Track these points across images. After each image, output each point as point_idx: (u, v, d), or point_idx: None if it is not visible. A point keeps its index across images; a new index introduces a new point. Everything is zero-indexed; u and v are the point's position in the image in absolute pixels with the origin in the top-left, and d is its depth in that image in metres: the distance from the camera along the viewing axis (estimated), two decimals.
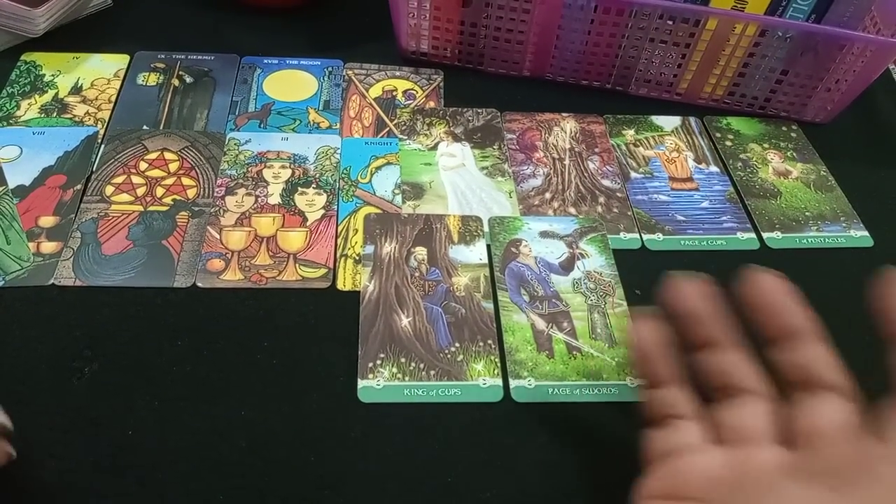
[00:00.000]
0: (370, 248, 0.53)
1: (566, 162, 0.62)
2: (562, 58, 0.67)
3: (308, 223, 0.55)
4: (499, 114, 0.65)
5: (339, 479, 0.41)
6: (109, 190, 0.55)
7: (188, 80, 0.66)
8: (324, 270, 0.52)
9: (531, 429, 0.45)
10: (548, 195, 0.59)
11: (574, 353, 0.48)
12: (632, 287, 0.52)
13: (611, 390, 0.46)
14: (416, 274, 0.52)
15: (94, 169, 0.57)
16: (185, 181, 0.57)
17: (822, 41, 0.61)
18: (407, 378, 0.46)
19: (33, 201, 0.54)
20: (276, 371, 0.46)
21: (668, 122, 0.66)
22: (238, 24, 0.72)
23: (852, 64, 0.61)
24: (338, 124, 0.63)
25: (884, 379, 0.49)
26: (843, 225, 0.58)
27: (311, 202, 0.56)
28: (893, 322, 0.34)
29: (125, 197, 0.55)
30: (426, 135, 0.63)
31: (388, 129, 0.63)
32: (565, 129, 0.65)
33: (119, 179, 0.56)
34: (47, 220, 0.53)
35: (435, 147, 0.62)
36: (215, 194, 0.56)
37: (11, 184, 0.55)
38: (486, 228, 0.55)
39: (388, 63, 0.69)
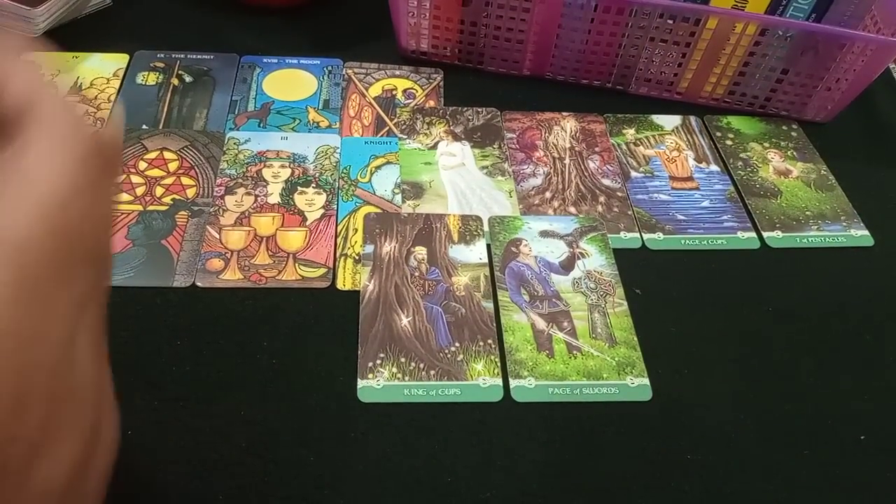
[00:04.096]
0: (370, 248, 0.53)
1: (566, 161, 0.62)
2: (562, 57, 0.67)
3: (307, 223, 0.55)
4: (499, 113, 0.65)
5: (339, 479, 0.41)
6: None
7: (187, 79, 0.66)
8: (323, 270, 0.52)
9: (531, 429, 0.45)
10: (548, 194, 0.59)
11: (574, 352, 0.48)
12: (632, 286, 0.52)
13: (611, 390, 0.46)
14: (416, 273, 0.52)
15: None
16: (185, 181, 0.57)
17: (823, 40, 0.61)
18: (407, 378, 0.46)
19: None
20: (276, 371, 0.46)
21: (669, 121, 0.66)
22: (238, 24, 0.72)
23: (852, 63, 0.61)
24: (337, 123, 0.63)
25: (885, 378, 0.50)
26: (844, 224, 0.58)
27: (311, 201, 0.56)
28: None
29: (124, 196, 0.55)
30: (426, 134, 0.63)
31: (387, 128, 0.63)
32: (565, 129, 0.64)
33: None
34: None
35: (435, 146, 0.62)
36: (215, 194, 0.56)
37: None
38: (486, 228, 0.55)
39: (387, 62, 0.69)
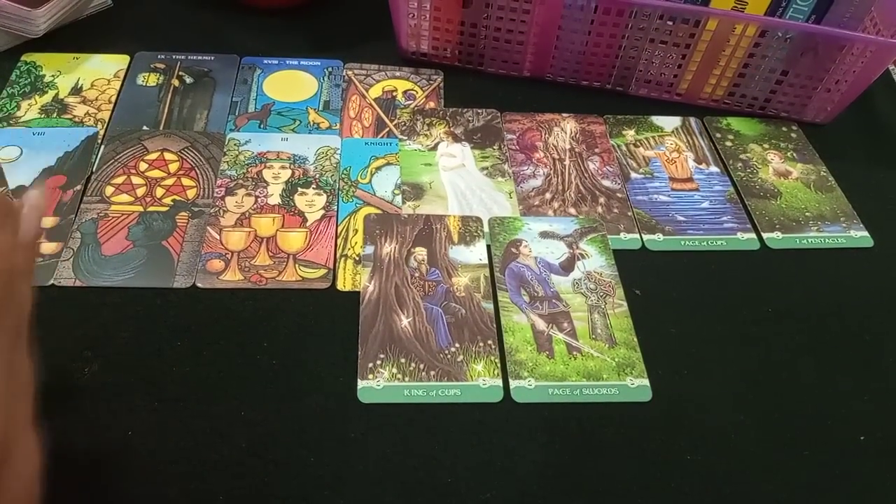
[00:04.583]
0: (370, 249, 0.53)
1: (566, 162, 0.62)
2: (562, 58, 0.67)
3: (308, 223, 0.55)
4: (499, 114, 0.65)
5: (339, 479, 0.41)
6: (109, 190, 0.55)
7: (188, 80, 0.66)
8: (323, 271, 0.52)
9: (531, 429, 0.45)
10: (548, 195, 0.59)
11: (574, 353, 0.48)
12: (632, 287, 0.52)
13: (611, 390, 0.46)
14: (416, 274, 0.52)
15: (93, 169, 0.57)
16: (185, 182, 0.57)
17: (822, 42, 0.61)
18: (407, 378, 0.46)
19: None
20: (276, 371, 0.46)
21: (669, 122, 0.66)
22: (238, 25, 0.72)
23: (852, 64, 0.61)
24: (338, 125, 0.63)
25: (885, 378, 0.50)
26: (843, 225, 0.58)
27: (311, 202, 0.56)
28: None
29: (125, 197, 0.55)
30: (426, 135, 0.63)
31: (388, 129, 0.63)
32: (565, 130, 0.65)
33: (119, 180, 0.56)
34: (47, 221, 0.53)
35: (435, 147, 0.62)
36: (215, 195, 0.56)
37: (11, 184, 0.55)
38: (486, 229, 0.55)
39: (388, 63, 0.69)
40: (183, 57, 0.68)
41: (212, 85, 0.66)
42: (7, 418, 0.28)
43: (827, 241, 0.57)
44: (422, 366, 0.47)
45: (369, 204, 0.57)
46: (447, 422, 0.44)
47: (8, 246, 0.30)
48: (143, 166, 0.58)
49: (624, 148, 0.63)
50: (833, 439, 0.46)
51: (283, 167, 0.59)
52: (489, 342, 0.48)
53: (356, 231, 0.55)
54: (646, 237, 0.56)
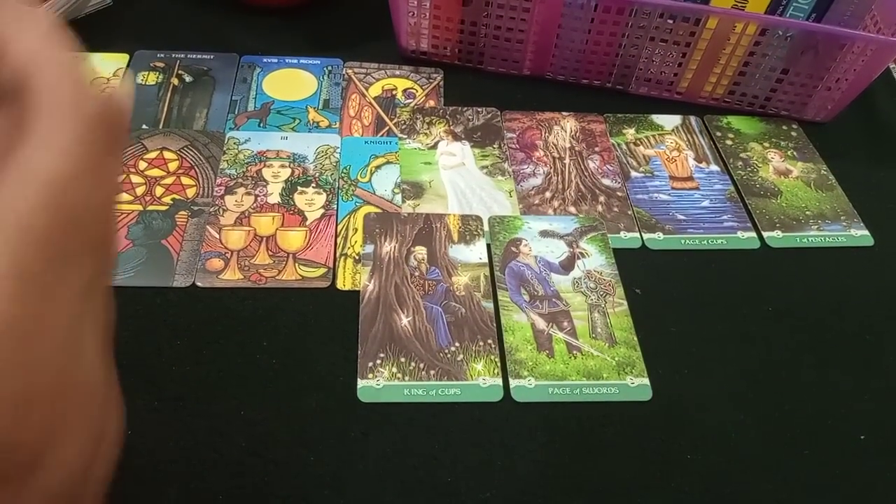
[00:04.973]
0: (370, 248, 0.53)
1: (566, 161, 0.62)
2: (562, 56, 0.67)
3: (307, 222, 0.55)
4: (499, 113, 0.65)
5: (339, 479, 0.41)
6: None
7: (187, 79, 0.66)
8: (323, 270, 0.52)
9: (531, 428, 0.45)
10: (548, 194, 0.59)
11: (574, 352, 0.48)
12: (632, 286, 0.52)
13: (611, 390, 0.46)
14: (416, 273, 0.52)
15: None
16: (185, 180, 0.57)
17: (823, 40, 0.61)
18: (407, 378, 0.46)
19: None
20: (275, 371, 0.46)
21: (669, 121, 0.66)
22: (238, 24, 0.72)
23: (853, 63, 0.61)
24: (337, 123, 0.63)
25: (885, 378, 0.50)
26: (844, 224, 0.58)
27: (311, 201, 0.56)
28: None
29: (124, 196, 0.55)
30: (426, 134, 0.63)
31: (387, 128, 0.63)
32: (565, 128, 0.64)
33: None
34: None
35: (435, 146, 0.62)
36: (215, 193, 0.56)
37: None
38: (486, 228, 0.55)
39: (387, 62, 0.69)
40: (182, 55, 0.68)
41: (211, 84, 0.65)
42: (106, 392, 0.23)
43: (827, 239, 0.57)
44: (422, 365, 0.47)
45: (369, 203, 0.57)
46: (447, 421, 0.44)
47: (117, 176, 0.24)
48: (142, 165, 0.57)
49: (624, 146, 0.63)
50: (833, 439, 0.46)
51: (282, 166, 0.58)
52: (489, 341, 0.48)
53: (356, 230, 0.54)
54: (646, 236, 0.56)
